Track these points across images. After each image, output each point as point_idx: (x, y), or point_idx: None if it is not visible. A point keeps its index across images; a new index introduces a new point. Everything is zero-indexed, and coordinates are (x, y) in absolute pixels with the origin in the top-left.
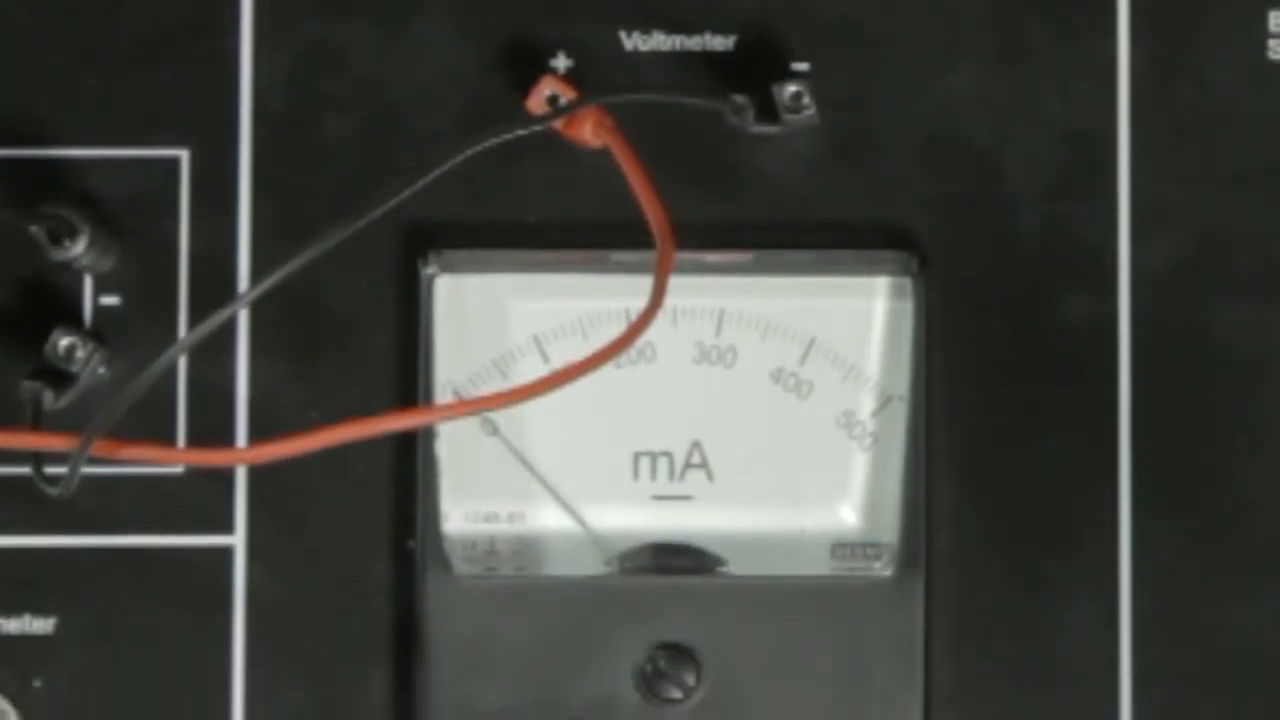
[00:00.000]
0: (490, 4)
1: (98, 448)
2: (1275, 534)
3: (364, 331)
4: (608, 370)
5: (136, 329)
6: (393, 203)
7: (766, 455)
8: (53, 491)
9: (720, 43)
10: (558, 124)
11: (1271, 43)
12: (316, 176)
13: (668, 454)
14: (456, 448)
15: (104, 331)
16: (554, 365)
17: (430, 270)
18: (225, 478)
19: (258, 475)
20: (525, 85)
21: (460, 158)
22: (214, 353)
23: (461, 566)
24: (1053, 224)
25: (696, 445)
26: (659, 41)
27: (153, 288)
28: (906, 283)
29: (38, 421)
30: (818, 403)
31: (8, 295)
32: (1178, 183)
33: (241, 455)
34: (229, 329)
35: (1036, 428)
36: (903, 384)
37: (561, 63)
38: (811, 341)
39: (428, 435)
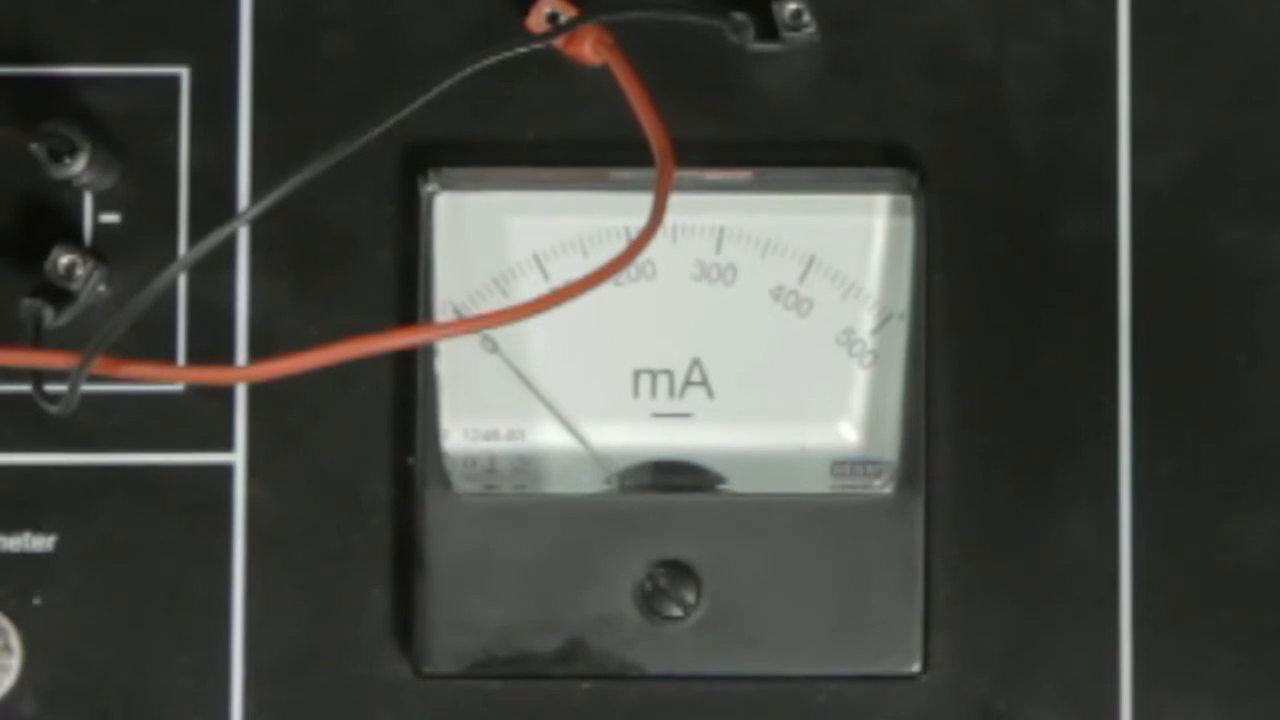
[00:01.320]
0: None
1: (98, 365)
2: (1273, 448)
3: (364, 249)
4: (608, 288)
5: (136, 247)
6: (392, 121)
7: (766, 373)
8: (53, 409)
9: None
10: (558, 42)
11: None
12: (316, 94)
13: (668, 371)
14: (456, 365)
15: (104, 249)
16: (554, 283)
17: (430, 188)
18: (225, 395)
19: (258, 393)
20: (525, 3)
21: (460, 75)
22: (214, 271)
23: (461, 484)
24: (1053, 140)
25: (696, 363)
26: None
27: (153, 205)
28: (906, 200)
29: (38, 339)
30: (818, 320)
31: (8, 213)
32: (1178, 99)
33: (241, 373)
34: (229, 247)
35: (1036, 344)
36: (903, 301)
37: None
38: (811, 259)
39: (427, 353)
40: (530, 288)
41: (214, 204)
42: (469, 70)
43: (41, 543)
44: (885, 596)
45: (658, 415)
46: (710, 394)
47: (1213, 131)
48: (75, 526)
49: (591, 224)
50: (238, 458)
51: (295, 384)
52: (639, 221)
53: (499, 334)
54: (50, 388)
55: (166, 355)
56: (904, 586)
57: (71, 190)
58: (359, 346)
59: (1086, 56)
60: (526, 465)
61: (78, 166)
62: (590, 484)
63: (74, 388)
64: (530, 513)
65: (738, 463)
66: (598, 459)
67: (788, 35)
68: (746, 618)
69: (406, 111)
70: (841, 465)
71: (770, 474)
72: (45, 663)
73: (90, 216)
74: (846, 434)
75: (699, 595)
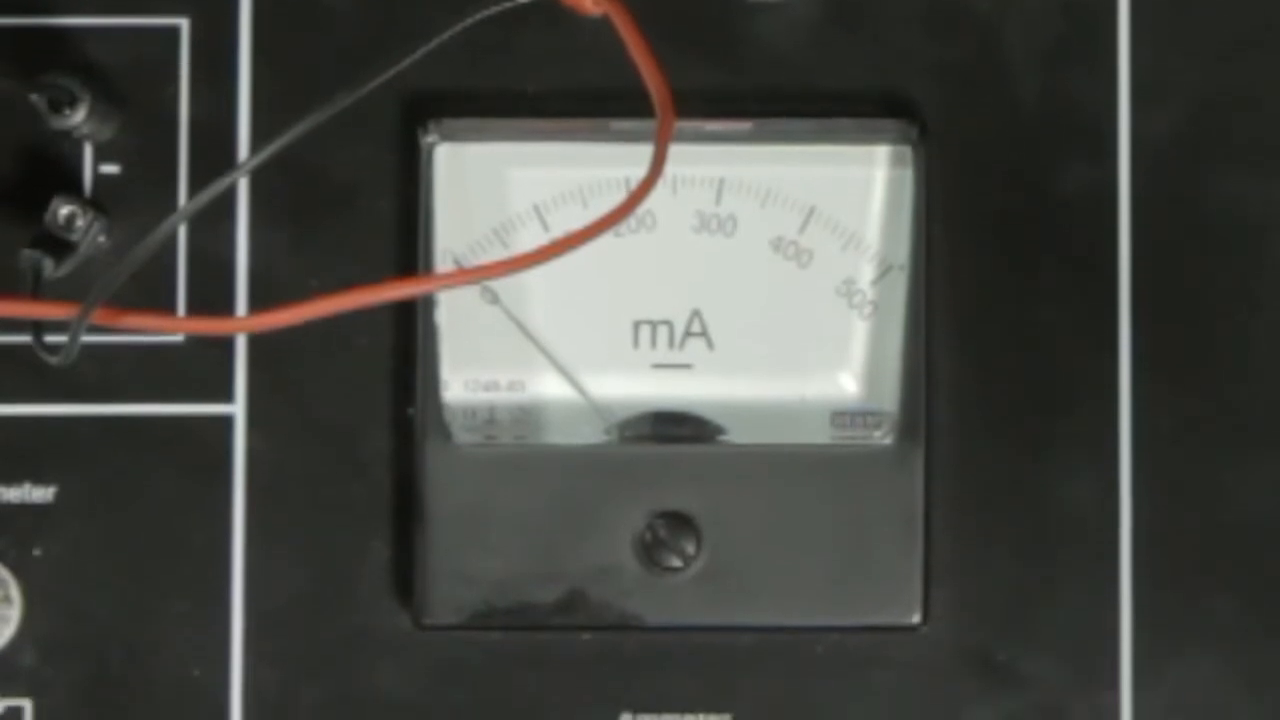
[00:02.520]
0: None
1: (98, 316)
2: (1273, 400)
3: (364, 200)
4: (608, 239)
5: (136, 197)
6: (392, 71)
7: (766, 324)
8: (53, 360)
9: None
10: None
11: None
12: (317, 44)
13: (668, 322)
14: (456, 316)
15: (104, 200)
16: (554, 233)
17: (430, 139)
18: (225, 346)
19: (258, 344)
20: None
21: (461, 26)
22: (214, 221)
23: (461, 435)
24: (1053, 92)
25: (696, 314)
26: None
27: (153, 156)
28: (906, 151)
29: (38, 290)
30: (818, 271)
31: (8, 164)
32: (1178, 51)
33: (242, 324)
34: (229, 197)
35: (1036, 296)
36: (902, 252)
37: None
38: (811, 210)
39: (427, 304)
40: (530, 238)
41: (214, 155)
42: (470, 21)
43: (41, 494)
44: (885, 547)
45: (657, 366)
46: (710, 345)
47: (1212, 84)
48: (75, 477)
49: (591, 175)
50: (238, 408)
51: (295, 335)
52: (639, 172)
53: (499, 285)
54: (50, 339)
55: (166, 306)
56: (904, 537)
57: (71, 141)
58: (359, 297)
59: (1087, 8)
60: (526, 416)
61: (78, 117)
62: (590, 435)
63: (74, 338)
64: (530, 464)
65: (737, 413)
66: (597, 410)
67: None
68: (746, 569)
69: (407, 62)
70: (841, 416)
71: (770, 425)
72: (45, 614)
73: (90, 167)
74: (846, 385)
75: (699, 546)
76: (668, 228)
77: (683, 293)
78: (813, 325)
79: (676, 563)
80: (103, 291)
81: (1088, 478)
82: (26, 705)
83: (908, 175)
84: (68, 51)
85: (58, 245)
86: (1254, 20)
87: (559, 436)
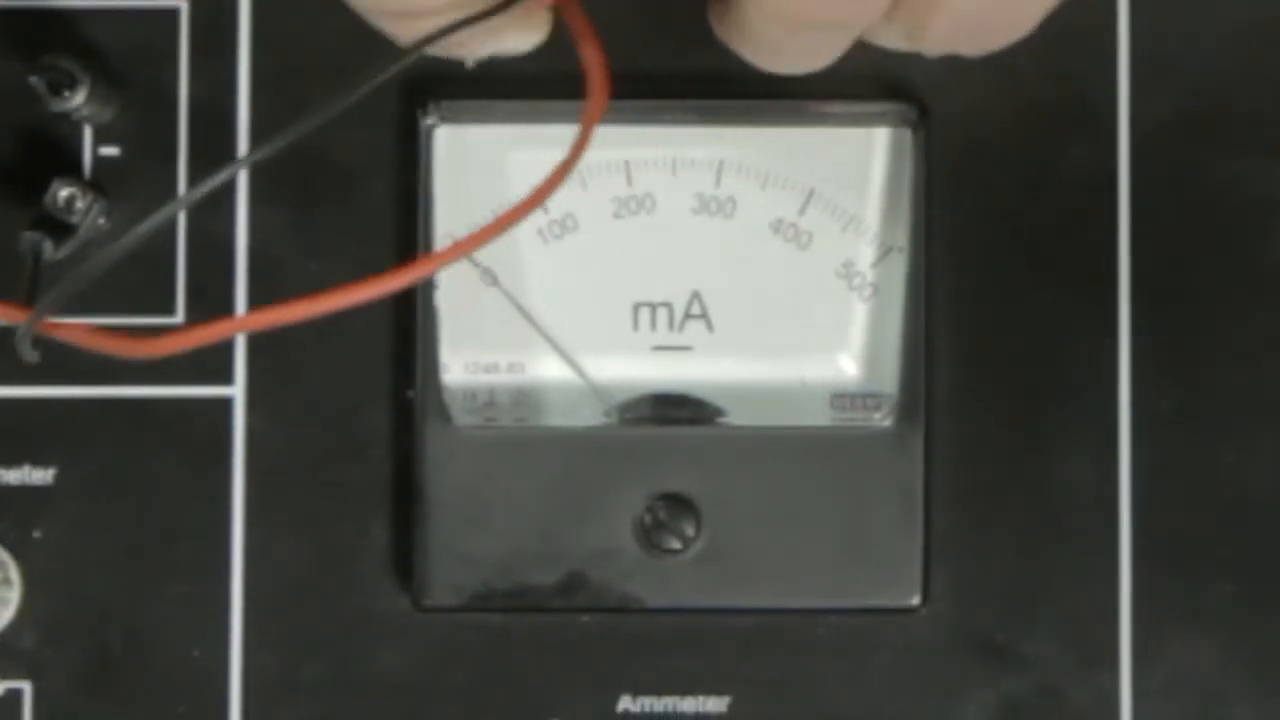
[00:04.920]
0: None
1: (73, 334)
2: (1273, 384)
3: (364, 183)
4: (607, 221)
5: (136, 179)
6: (395, 70)
7: (766, 306)
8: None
9: None
10: None
11: None
12: (316, 26)
13: (667, 305)
14: (456, 298)
15: (104, 182)
16: (553, 215)
17: (430, 121)
18: None
19: None
20: None
21: (466, 18)
22: (214, 204)
23: (461, 417)
24: (1053, 73)
25: (696, 296)
26: None
27: (152, 138)
28: (906, 134)
29: (37, 271)
30: (817, 253)
31: (8, 146)
32: (1179, 31)
33: (240, 323)
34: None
35: (1036, 278)
36: (902, 235)
37: None
38: (811, 192)
39: (427, 286)
40: (529, 221)
41: (214, 137)
42: (477, 13)
43: (41, 476)
44: (885, 529)
45: (657, 348)
46: (710, 327)
47: (1213, 64)
48: (75, 459)
49: (591, 157)
50: (237, 391)
51: None
52: (638, 153)
53: (499, 267)
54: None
55: (165, 287)
56: (904, 519)
57: (71, 123)
58: (360, 291)
59: None
60: (526, 398)
61: (77, 99)
62: (590, 417)
63: (22, 344)
64: (530, 446)
65: (737, 396)
66: (597, 392)
67: None
68: (746, 551)
69: (410, 59)
70: (841, 398)
71: (770, 407)
72: (45, 596)
73: (90, 149)
74: (846, 367)
75: (698, 528)
76: (667, 210)
77: (682, 275)
78: (812, 307)
79: (676, 545)
80: (57, 298)
81: (1087, 459)
82: (26, 687)
83: (907, 157)
84: (68, 33)
85: (58, 227)
86: (1255, 0)
87: (559, 419)
